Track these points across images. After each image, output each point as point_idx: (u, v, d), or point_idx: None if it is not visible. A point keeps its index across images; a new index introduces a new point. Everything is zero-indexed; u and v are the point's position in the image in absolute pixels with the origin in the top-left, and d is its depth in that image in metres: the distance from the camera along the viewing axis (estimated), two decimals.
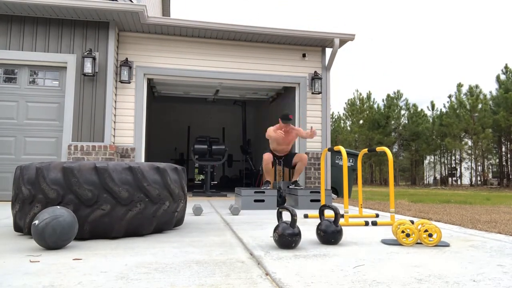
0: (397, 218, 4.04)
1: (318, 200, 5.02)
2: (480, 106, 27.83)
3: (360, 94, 36.87)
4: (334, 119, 39.91)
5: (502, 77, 27.81)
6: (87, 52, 6.08)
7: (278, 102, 9.09)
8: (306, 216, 3.93)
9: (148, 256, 2.00)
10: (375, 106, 35.23)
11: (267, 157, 5.36)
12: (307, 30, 6.94)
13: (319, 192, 5.07)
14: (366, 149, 3.98)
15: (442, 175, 34.20)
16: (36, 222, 2.11)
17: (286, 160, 5.63)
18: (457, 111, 28.83)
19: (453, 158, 33.32)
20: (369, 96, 36.08)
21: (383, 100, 35.00)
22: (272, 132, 5.28)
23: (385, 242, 2.48)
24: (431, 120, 33.12)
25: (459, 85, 29.49)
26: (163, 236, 2.65)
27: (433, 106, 33.58)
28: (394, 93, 34.56)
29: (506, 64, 27.85)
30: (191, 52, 6.93)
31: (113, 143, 6.29)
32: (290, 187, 5.48)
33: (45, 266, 1.75)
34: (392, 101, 34.04)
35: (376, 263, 1.89)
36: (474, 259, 2.01)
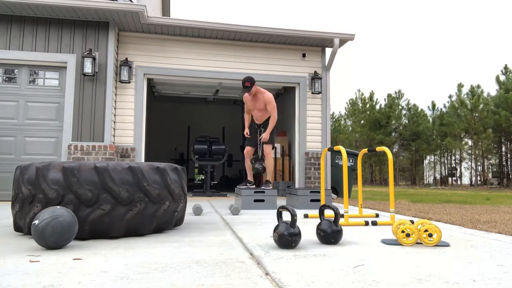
0: (397, 218, 4.04)
1: (318, 200, 5.02)
2: (481, 106, 27.82)
3: (362, 94, 36.85)
4: (335, 119, 39.91)
5: (502, 77, 27.82)
6: (87, 52, 6.08)
7: (278, 102, 9.07)
8: (306, 216, 3.93)
9: (148, 256, 2.00)
10: (377, 106, 35.22)
11: (246, 152, 5.35)
12: (307, 30, 6.95)
13: (319, 192, 5.07)
14: (366, 149, 3.98)
15: (442, 175, 34.19)
16: (36, 222, 2.11)
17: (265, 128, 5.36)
18: (458, 111, 28.83)
19: (453, 158, 33.33)
20: (371, 96, 36.04)
21: (384, 100, 34.97)
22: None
23: (385, 242, 2.48)
24: (431, 120, 33.12)
25: (460, 85, 29.49)
26: (163, 236, 2.65)
27: (433, 106, 33.58)
28: (395, 92, 34.57)
29: (506, 65, 27.87)
30: (191, 52, 6.94)
31: (113, 143, 6.29)
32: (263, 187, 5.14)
33: (45, 266, 1.75)
34: (393, 101, 34.03)
35: (376, 263, 1.89)
36: (474, 259, 2.01)
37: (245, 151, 5.38)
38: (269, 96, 5.29)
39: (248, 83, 5.18)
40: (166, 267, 1.76)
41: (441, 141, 31.13)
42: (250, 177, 5.39)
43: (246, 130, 5.39)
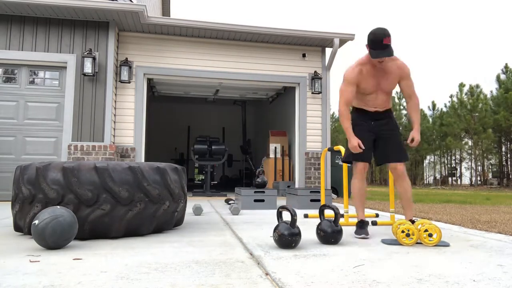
0: (397, 218, 4.04)
1: (318, 200, 5.02)
2: (480, 106, 27.83)
3: None
4: (335, 119, 39.90)
5: (502, 76, 27.81)
6: (87, 52, 6.08)
7: (278, 102, 9.09)
8: (306, 216, 3.93)
9: (148, 256, 2.00)
10: None
11: (360, 169, 3.04)
12: (307, 30, 6.94)
13: (319, 192, 5.07)
14: None
15: (442, 175, 34.19)
16: (36, 222, 2.11)
17: (384, 127, 2.98)
18: (458, 111, 28.84)
19: (453, 158, 33.33)
20: None
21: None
22: (348, 74, 2.95)
23: (385, 242, 2.48)
24: (431, 120, 33.14)
25: (461, 85, 29.47)
26: (163, 236, 2.65)
27: (434, 106, 33.60)
28: (396, 93, 34.55)
29: (506, 64, 27.85)
30: (191, 52, 6.93)
31: (113, 143, 6.29)
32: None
33: (45, 266, 1.75)
34: (394, 101, 34.06)
35: (376, 263, 1.89)
36: (474, 259, 2.01)
37: (358, 169, 3.01)
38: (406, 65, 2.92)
39: (386, 39, 2.65)
40: (166, 267, 1.76)
41: (441, 141, 31.13)
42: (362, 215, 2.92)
43: (358, 141, 2.94)
